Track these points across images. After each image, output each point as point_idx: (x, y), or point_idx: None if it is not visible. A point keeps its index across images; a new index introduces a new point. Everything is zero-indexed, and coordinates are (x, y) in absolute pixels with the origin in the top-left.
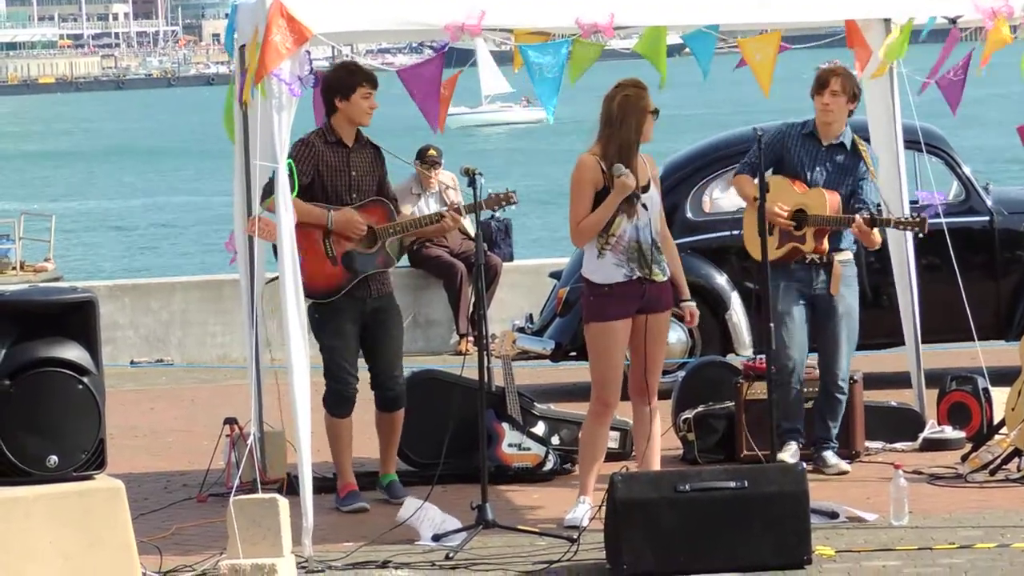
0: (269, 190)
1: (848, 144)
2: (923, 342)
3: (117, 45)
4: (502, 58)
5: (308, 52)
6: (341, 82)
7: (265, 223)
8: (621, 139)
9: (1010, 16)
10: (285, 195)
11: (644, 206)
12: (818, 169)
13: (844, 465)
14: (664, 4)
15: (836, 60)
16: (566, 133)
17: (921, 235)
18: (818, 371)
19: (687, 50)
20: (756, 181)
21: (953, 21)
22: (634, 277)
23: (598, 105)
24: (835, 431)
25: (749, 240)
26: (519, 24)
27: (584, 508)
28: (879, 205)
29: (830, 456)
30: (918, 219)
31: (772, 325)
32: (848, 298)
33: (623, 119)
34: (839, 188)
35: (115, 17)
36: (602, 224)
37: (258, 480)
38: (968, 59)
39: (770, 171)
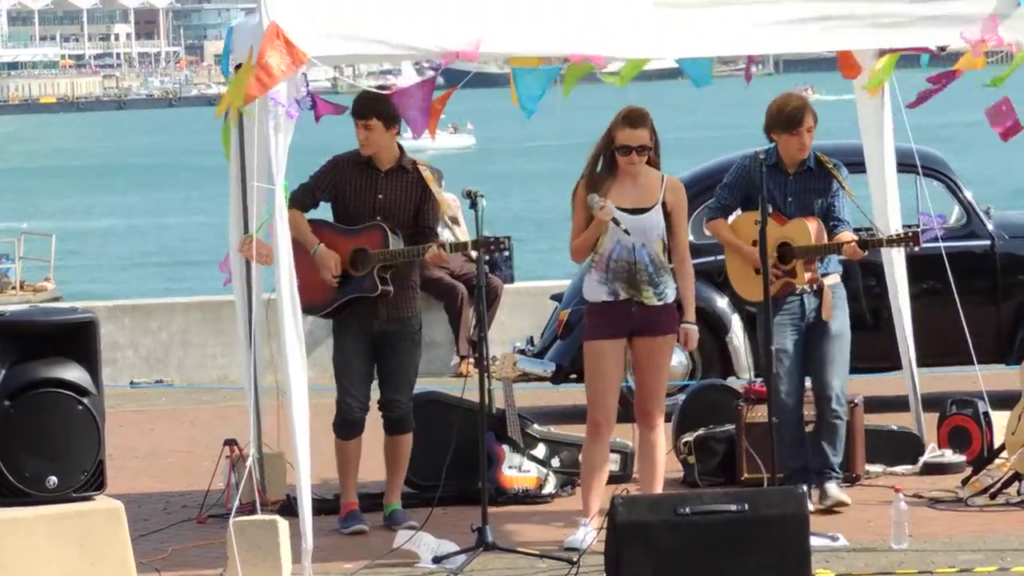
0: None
1: (813, 165)
2: (924, 366)
3: (119, 65)
4: (499, 81)
5: (304, 74)
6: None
7: (261, 246)
8: (598, 165)
9: (999, 46)
10: (282, 216)
11: (626, 231)
12: (790, 199)
13: (844, 496)
14: (658, 37)
15: (808, 87)
16: (496, 154)
17: (916, 249)
18: (813, 396)
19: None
20: (731, 221)
21: (942, 50)
22: (620, 298)
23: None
24: (838, 459)
25: (737, 282)
26: (513, 52)
27: (584, 530)
28: (870, 230)
29: (832, 487)
30: (911, 234)
31: (774, 348)
32: (839, 319)
33: (601, 147)
34: (813, 211)
35: (117, 37)
36: (586, 246)
37: (257, 501)
38: (951, 74)
39: (739, 211)
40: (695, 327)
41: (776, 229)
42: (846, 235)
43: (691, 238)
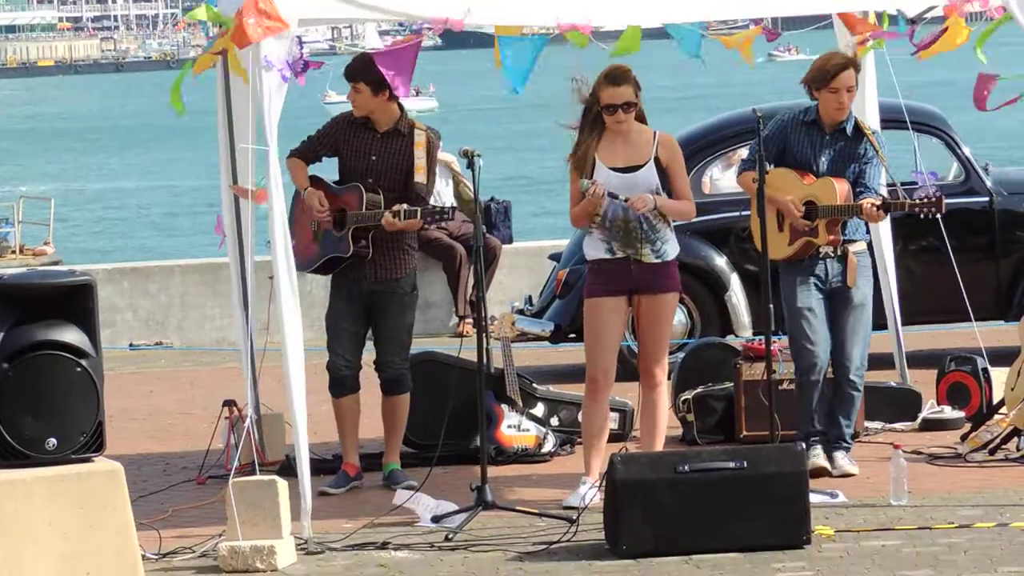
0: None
1: (850, 128)
2: (924, 323)
3: (116, 28)
4: (458, 43)
5: (299, 38)
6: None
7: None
8: (583, 132)
9: (984, 7)
10: (276, 179)
11: (626, 200)
12: (823, 159)
13: (851, 468)
14: (644, 5)
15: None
16: (453, 121)
17: (939, 215)
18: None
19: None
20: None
21: (912, 22)
22: (617, 256)
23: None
24: (850, 431)
25: (760, 236)
26: (501, 20)
27: (584, 488)
28: (892, 187)
29: (840, 458)
30: (934, 199)
31: (799, 307)
32: (863, 288)
33: (587, 111)
34: (844, 174)
35: (114, 0)
36: (584, 214)
37: (256, 462)
38: (942, 33)
39: (772, 165)
40: (651, 197)
41: (803, 187)
42: (869, 199)
43: None
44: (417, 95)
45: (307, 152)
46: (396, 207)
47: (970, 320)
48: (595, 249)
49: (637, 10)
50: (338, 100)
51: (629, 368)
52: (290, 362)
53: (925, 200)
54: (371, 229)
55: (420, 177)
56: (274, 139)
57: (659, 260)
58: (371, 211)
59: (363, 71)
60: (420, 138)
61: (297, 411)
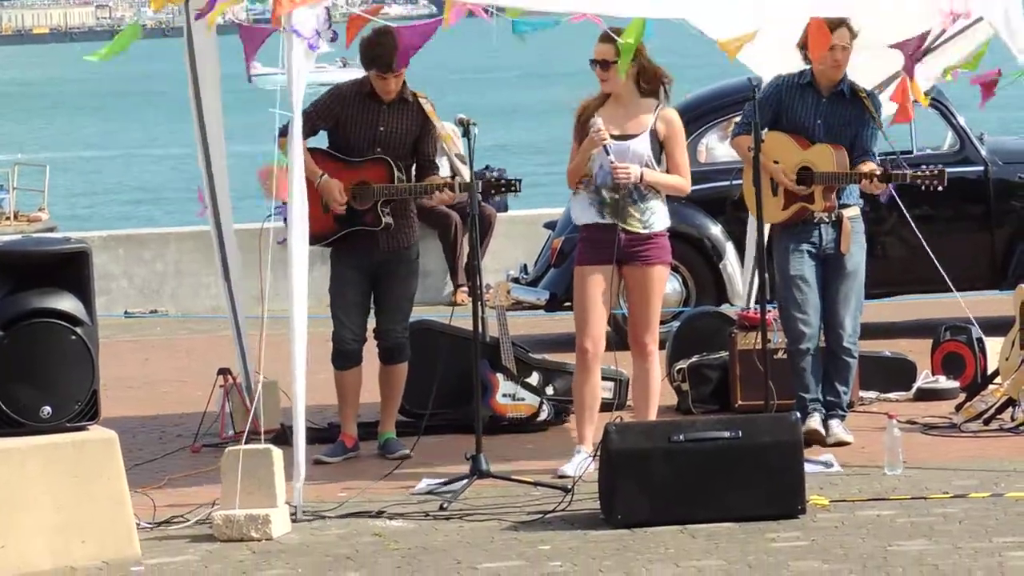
0: (283, 133)
1: (847, 92)
2: (917, 292)
3: None
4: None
5: (327, 8)
6: (362, 56)
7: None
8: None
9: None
10: (298, 145)
11: (612, 162)
12: (819, 122)
13: (846, 436)
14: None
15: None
16: (447, 90)
17: (940, 188)
18: (824, 332)
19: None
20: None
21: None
22: (607, 220)
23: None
24: (846, 398)
25: (752, 201)
26: (519, 4)
27: (579, 458)
28: (894, 156)
29: (835, 426)
30: (936, 171)
31: (792, 275)
32: (856, 255)
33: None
34: (840, 139)
35: None
36: (579, 170)
37: (247, 430)
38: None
39: (766, 129)
40: (638, 169)
41: (798, 153)
42: (869, 165)
43: None
44: (344, 66)
45: (304, 127)
46: (452, 178)
47: (967, 289)
48: (585, 213)
49: (647, 4)
50: (264, 72)
51: (624, 337)
52: (295, 331)
53: (927, 172)
54: (391, 201)
55: (450, 146)
56: (298, 108)
57: (646, 231)
58: (405, 184)
59: (397, 56)
60: (428, 107)
61: (297, 380)
